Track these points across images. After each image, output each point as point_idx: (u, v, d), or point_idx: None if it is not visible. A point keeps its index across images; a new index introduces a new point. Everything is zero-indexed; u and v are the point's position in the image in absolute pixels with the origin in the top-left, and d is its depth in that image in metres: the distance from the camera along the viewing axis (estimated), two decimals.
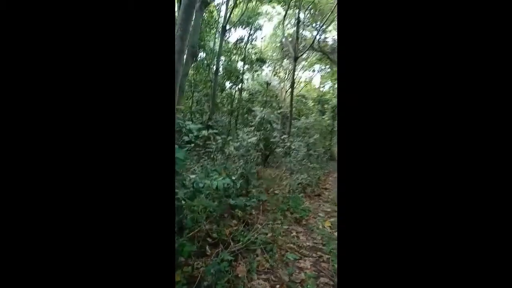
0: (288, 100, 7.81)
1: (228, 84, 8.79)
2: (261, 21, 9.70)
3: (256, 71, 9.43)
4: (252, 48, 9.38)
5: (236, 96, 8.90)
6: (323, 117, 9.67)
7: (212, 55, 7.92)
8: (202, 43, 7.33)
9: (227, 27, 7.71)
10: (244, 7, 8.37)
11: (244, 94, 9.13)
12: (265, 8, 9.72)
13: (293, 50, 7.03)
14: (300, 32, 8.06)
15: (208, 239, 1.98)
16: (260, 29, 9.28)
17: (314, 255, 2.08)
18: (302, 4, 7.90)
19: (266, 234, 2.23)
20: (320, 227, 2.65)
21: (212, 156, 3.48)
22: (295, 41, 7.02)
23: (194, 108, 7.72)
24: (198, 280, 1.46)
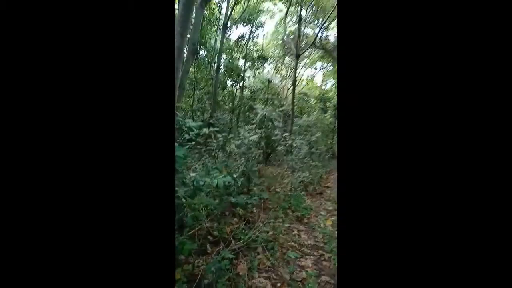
0: (290, 98, 7.76)
1: (229, 82, 8.76)
2: (262, 18, 9.65)
3: (257, 68, 9.38)
4: (254, 45, 9.33)
5: (237, 94, 8.88)
6: (325, 115, 9.62)
7: (213, 53, 7.89)
8: (203, 40, 7.29)
9: (228, 24, 7.67)
10: (246, 4, 8.32)
11: (246, 92, 9.10)
12: (267, 5, 9.65)
13: (295, 48, 6.98)
14: (302, 29, 8.00)
15: (209, 237, 1.98)
16: (262, 27, 9.23)
17: (315, 253, 2.08)
18: (304, 1, 7.84)
19: (267, 232, 2.23)
20: (322, 225, 2.64)
21: (213, 154, 3.48)
22: (297, 39, 6.97)
23: (195, 106, 7.71)
24: (199, 278, 1.46)
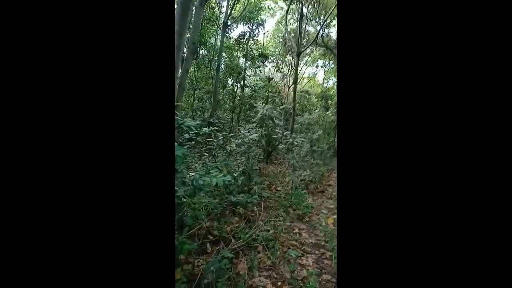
0: (291, 96, 7.72)
1: (230, 81, 8.73)
2: (263, 16, 9.59)
3: (258, 67, 9.34)
4: (254, 44, 9.28)
5: (238, 92, 8.86)
6: (327, 113, 9.57)
7: (214, 52, 7.86)
8: (203, 39, 7.27)
9: (229, 23, 7.63)
10: (246, 2, 8.27)
11: (247, 91, 9.07)
12: (267, 3, 9.59)
13: (296, 45, 6.93)
14: (303, 27, 7.94)
15: (209, 236, 1.98)
16: (263, 25, 9.18)
17: (316, 252, 2.06)
18: None
19: (268, 231, 2.22)
20: (323, 223, 2.62)
21: (213, 153, 3.47)
22: (298, 36, 6.92)
23: (195, 106, 7.70)
24: (198, 278, 1.46)
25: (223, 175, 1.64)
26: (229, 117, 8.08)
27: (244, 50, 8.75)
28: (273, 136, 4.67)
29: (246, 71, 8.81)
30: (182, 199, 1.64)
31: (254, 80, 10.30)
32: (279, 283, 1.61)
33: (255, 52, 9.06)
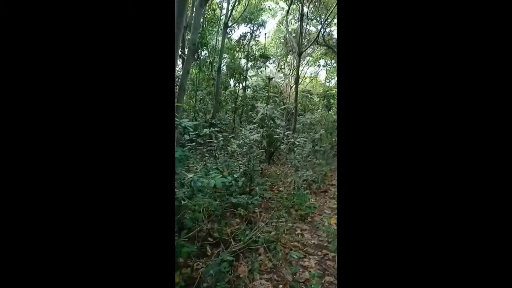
0: (293, 96, 7.67)
1: (231, 82, 8.73)
2: (264, 17, 9.59)
3: (259, 67, 9.33)
4: (256, 44, 9.27)
5: (239, 93, 8.84)
6: (329, 112, 9.50)
7: (215, 53, 7.86)
8: (204, 41, 7.28)
9: (230, 24, 7.63)
10: (247, 3, 8.27)
11: (248, 92, 9.05)
12: (268, 3, 9.58)
13: (297, 45, 6.89)
14: (304, 26, 7.91)
15: (209, 238, 1.95)
16: (263, 25, 9.18)
17: (319, 253, 2.02)
18: None
19: (270, 232, 2.18)
20: (326, 224, 2.58)
21: (214, 154, 3.45)
22: (299, 36, 6.88)
23: (197, 107, 7.70)
24: (197, 282, 1.43)
25: (221, 176, 1.61)
26: (231, 118, 8.07)
27: (246, 51, 8.74)
28: (275, 136, 4.63)
29: (248, 72, 8.80)
30: (181, 201, 1.61)
31: (255, 81, 10.30)
32: (281, 286, 1.57)
33: (256, 53, 9.05)
